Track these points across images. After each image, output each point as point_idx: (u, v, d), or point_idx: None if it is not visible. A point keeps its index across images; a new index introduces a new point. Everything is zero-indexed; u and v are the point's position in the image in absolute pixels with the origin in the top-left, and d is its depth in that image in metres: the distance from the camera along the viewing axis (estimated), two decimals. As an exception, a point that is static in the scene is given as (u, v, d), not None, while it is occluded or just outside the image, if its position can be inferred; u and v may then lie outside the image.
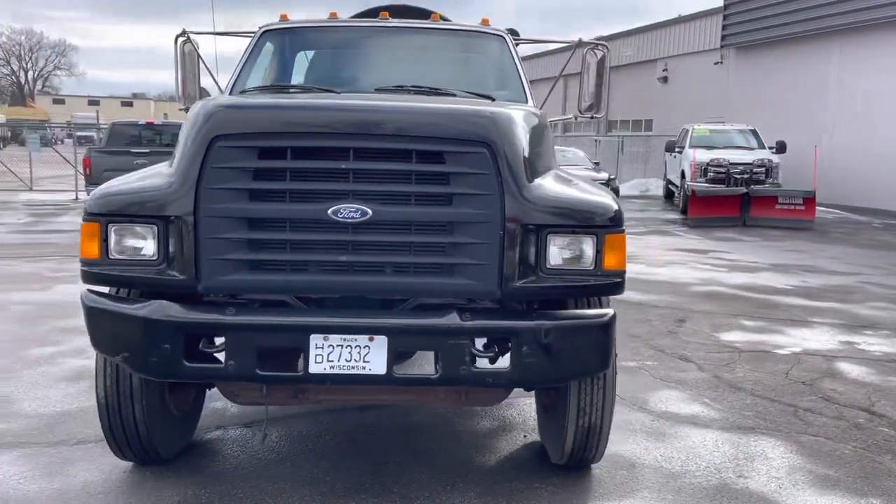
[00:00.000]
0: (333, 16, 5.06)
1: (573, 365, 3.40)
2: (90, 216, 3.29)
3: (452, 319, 3.21)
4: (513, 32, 7.27)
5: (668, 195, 22.35)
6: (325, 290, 3.28)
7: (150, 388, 3.61)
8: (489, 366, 3.40)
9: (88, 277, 3.32)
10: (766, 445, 4.42)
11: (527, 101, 4.67)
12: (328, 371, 3.19)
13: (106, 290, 3.41)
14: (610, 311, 3.50)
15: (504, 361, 3.35)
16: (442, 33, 5.10)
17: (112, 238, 3.26)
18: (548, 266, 3.30)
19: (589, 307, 3.60)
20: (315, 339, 3.18)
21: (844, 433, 4.64)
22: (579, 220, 3.33)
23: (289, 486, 3.76)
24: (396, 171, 3.20)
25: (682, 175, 19.27)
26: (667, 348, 6.49)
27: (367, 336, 3.19)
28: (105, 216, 3.26)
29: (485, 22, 5.13)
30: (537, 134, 3.73)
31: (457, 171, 3.20)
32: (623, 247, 3.45)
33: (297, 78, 4.81)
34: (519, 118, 3.51)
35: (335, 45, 4.98)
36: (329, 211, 3.13)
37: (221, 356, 3.24)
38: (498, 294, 3.24)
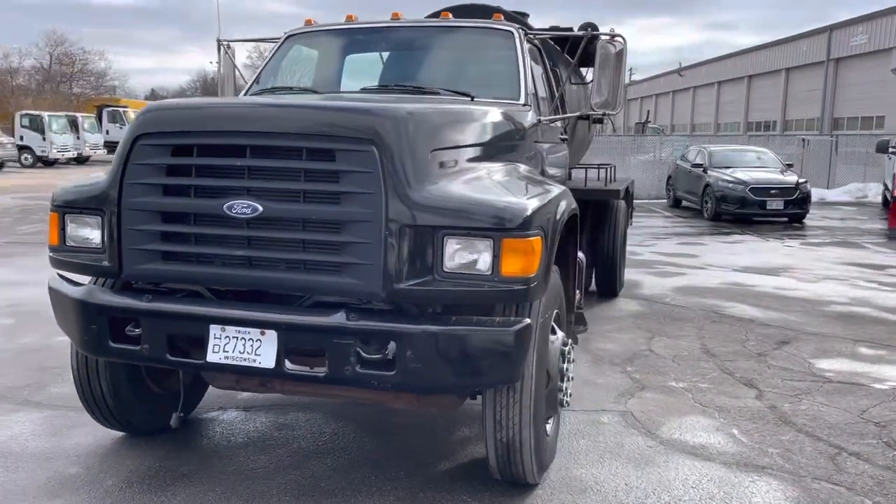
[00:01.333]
0: (350, 18, 5.18)
1: (465, 374, 3.23)
2: (53, 207, 3.70)
3: (338, 319, 3.19)
4: (521, 15, 6.93)
5: (886, 202, 19.72)
6: (227, 283, 3.41)
7: (113, 364, 3.98)
8: (374, 368, 3.31)
9: (52, 262, 3.74)
10: (761, 489, 3.86)
11: (518, 98, 4.47)
12: (223, 361, 3.33)
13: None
14: (523, 322, 3.28)
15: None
16: (447, 31, 5.02)
17: (68, 227, 3.65)
18: (444, 269, 3.17)
19: (516, 314, 3.39)
20: (214, 330, 3.33)
21: (879, 486, 3.91)
22: (474, 222, 3.16)
23: (233, 470, 3.96)
24: (287, 169, 3.25)
25: (894, 179, 16.92)
26: (738, 371, 5.83)
27: (260, 330, 3.28)
28: (62, 207, 3.66)
29: (497, 17, 4.96)
30: (465, 132, 3.58)
31: (346, 169, 3.18)
32: (529, 252, 3.21)
33: (306, 78, 4.99)
34: (425, 116, 3.39)
35: (343, 46, 5.10)
36: (224, 206, 3.26)
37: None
38: (382, 295, 3.17)
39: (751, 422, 4.78)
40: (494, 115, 3.99)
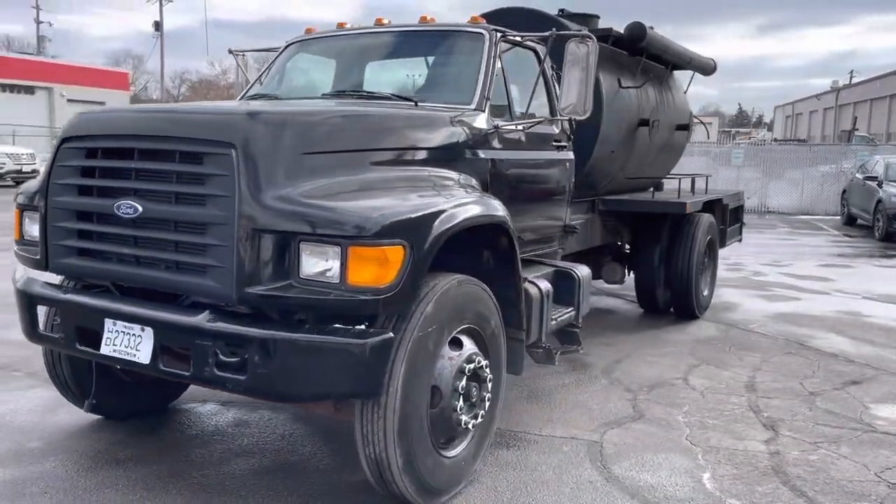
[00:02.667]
0: (340, 26, 5.21)
1: (314, 384, 3.16)
2: (16, 205, 4.10)
3: (198, 319, 3.25)
4: (587, 17, 6.49)
5: None
6: (122, 280, 3.58)
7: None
8: (229, 371, 3.29)
9: (16, 255, 4.14)
10: (680, 542, 3.39)
11: (471, 102, 4.28)
12: (112, 353, 3.50)
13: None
14: (383, 335, 3.16)
15: (253, 368, 3.25)
16: (420, 35, 4.89)
17: (24, 224, 4.03)
18: (301, 276, 3.13)
19: (384, 325, 3.27)
20: (108, 324, 3.52)
21: (832, 558, 3.30)
22: (323, 229, 3.08)
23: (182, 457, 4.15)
24: (164, 171, 3.36)
25: None
26: (769, 410, 5.16)
27: (140, 326, 3.42)
28: (20, 206, 4.04)
29: (474, 20, 4.76)
30: (352, 137, 3.49)
31: (210, 172, 3.23)
32: (382, 262, 3.09)
33: (302, 83, 5.08)
34: (291, 120, 3.34)
35: (330, 53, 5.14)
36: (114, 206, 3.44)
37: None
38: (234, 298, 3.17)
39: (734, 467, 4.21)
40: (404, 120, 3.85)
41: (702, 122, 9.57)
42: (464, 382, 3.60)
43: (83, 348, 3.66)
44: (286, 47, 5.31)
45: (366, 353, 3.13)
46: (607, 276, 8.06)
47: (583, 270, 5.16)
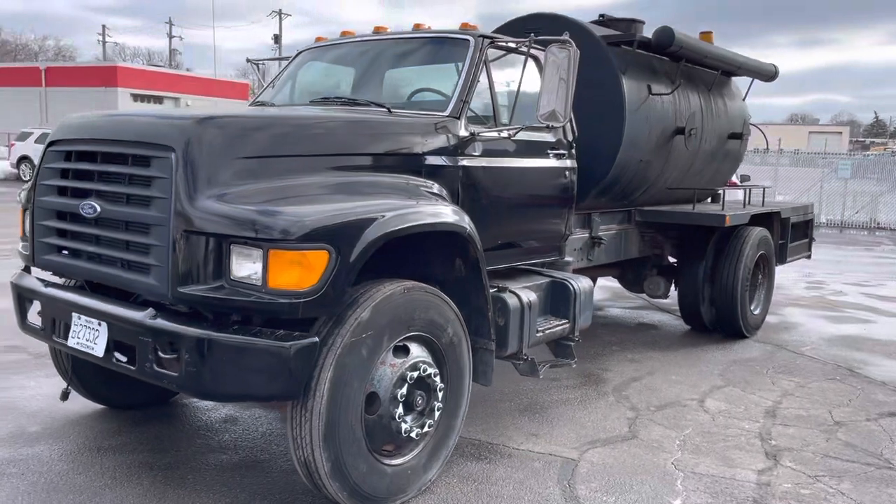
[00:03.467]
0: (345, 34, 5.26)
1: (238, 384, 3.21)
2: (19, 204, 4.40)
3: (140, 316, 3.37)
4: (631, 22, 6.28)
5: None
6: (88, 276, 3.75)
7: None
8: (166, 368, 3.38)
9: (18, 253, 4.44)
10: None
11: (445, 109, 4.23)
12: (76, 346, 3.69)
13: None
14: (308, 339, 3.20)
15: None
16: (410, 43, 4.86)
17: (25, 223, 4.32)
18: (231, 277, 3.21)
19: (321, 329, 3.30)
20: (74, 317, 3.71)
21: None
22: (247, 232, 3.14)
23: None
24: (118, 174, 3.52)
25: None
26: (779, 439, 4.82)
27: (97, 321, 3.59)
28: (22, 205, 4.33)
29: (464, 27, 4.70)
30: (295, 142, 3.53)
31: (154, 174, 3.35)
32: (304, 266, 3.12)
33: (293, 91, 5.17)
34: (226, 126, 3.40)
35: (332, 60, 5.19)
36: (80, 206, 3.64)
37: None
38: (169, 297, 3.28)
39: (710, 496, 3.95)
40: (352, 126, 3.85)
41: (760, 130, 9.04)
42: (404, 390, 3.56)
43: (57, 339, 3.86)
44: (296, 55, 5.43)
45: (289, 356, 3.15)
46: (649, 289, 7.77)
47: (580, 283, 5.00)
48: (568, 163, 5.07)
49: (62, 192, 3.83)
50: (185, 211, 3.21)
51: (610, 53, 6.03)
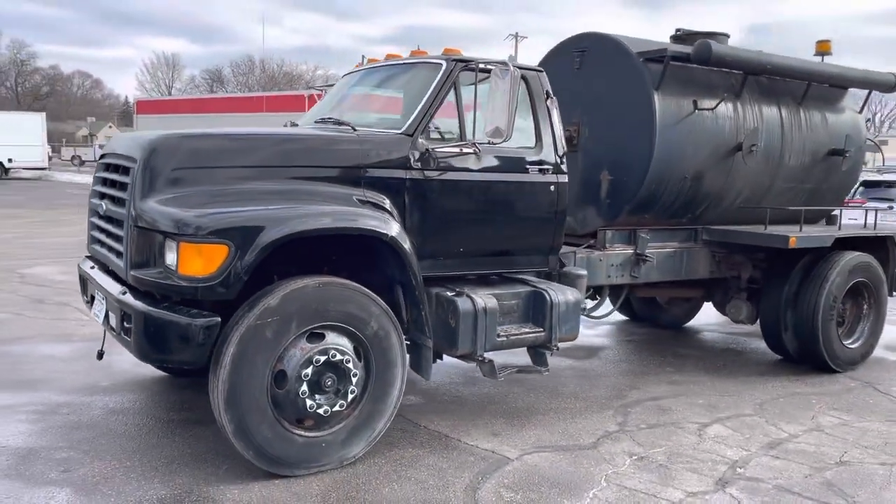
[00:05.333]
0: (372, 61, 5.83)
1: (159, 350, 3.97)
2: None
3: (116, 293, 4.29)
4: (710, 35, 6.20)
5: None
6: (104, 261, 4.74)
7: None
8: (126, 335, 4.20)
9: None
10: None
11: (401, 127, 4.68)
12: (94, 314, 4.72)
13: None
14: (211, 319, 3.90)
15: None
16: (397, 68, 5.33)
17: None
18: (165, 265, 4.01)
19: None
20: (97, 293, 4.74)
21: None
22: (167, 227, 3.92)
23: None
24: (113, 180, 4.49)
25: None
26: (752, 469, 4.60)
27: (102, 295, 4.58)
28: None
29: (446, 52, 5.06)
30: (217, 155, 4.25)
31: (127, 181, 4.27)
32: (207, 257, 3.82)
33: (320, 111, 5.85)
34: (167, 143, 4.20)
35: (349, 86, 5.81)
36: (99, 205, 4.68)
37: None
38: (127, 279, 4.16)
39: (613, 508, 3.99)
40: (290, 141, 4.44)
41: (876, 144, 8.08)
42: (309, 371, 4.09)
43: (92, 311, 4.94)
44: (341, 79, 6.18)
45: (195, 330, 3.86)
46: (731, 313, 7.43)
47: (561, 294, 5.13)
48: (553, 178, 5.23)
49: (96, 194, 4.91)
50: (137, 210, 4.06)
51: (643, 69, 6.03)
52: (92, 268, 4.99)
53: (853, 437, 5.23)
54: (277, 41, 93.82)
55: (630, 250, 6.41)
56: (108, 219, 4.57)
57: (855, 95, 7.78)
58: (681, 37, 7.10)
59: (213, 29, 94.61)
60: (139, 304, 4.02)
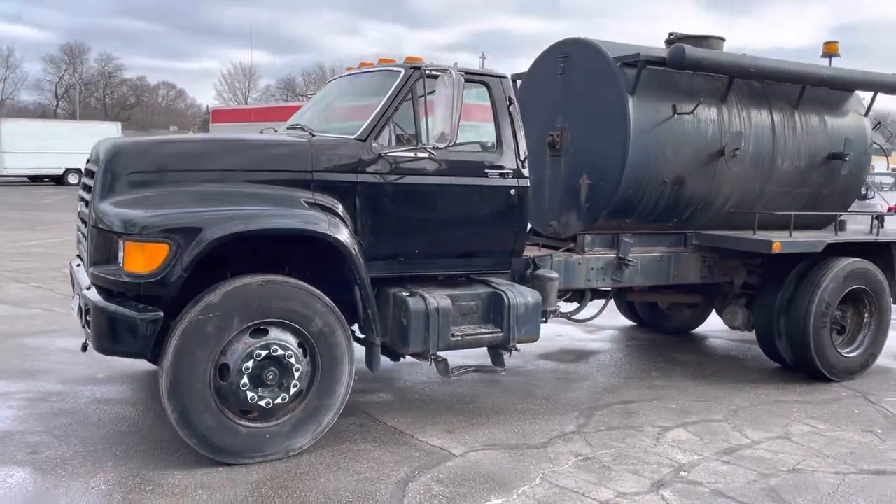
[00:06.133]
0: (354, 67, 5.99)
1: (111, 342, 4.25)
2: None
3: (83, 287, 4.61)
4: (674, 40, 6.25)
5: None
6: (84, 258, 5.08)
7: None
8: (88, 327, 4.50)
9: None
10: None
11: (356, 132, 4.86)
12: (73, 307, 5.06)
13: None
14: (155, 313, 4.17)
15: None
16: (363, 76, 5.51)
17: (92, 219, 5.88)
18: (118, 263, 4.30)
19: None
20: (77, 287, 5.07)
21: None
22: (114, 227, 4.22)
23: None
24: (86, 183, 4.81)
25: None
26: (696, 472, 4.58)
27: (78, 290, 4.91)
28: None
29: (408, 60, 5.20)
30: (172, 159, 4.52)
31: (92, 184, 4.58)
32: (148, 255, 4.09)
33: (301, 117, 6.08)
34: (123, 148, 4.50)
35: (322, 91, 6.02)
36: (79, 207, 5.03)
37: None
38: (88, 275, 4.47)
39: (535, 504, 4.07)
40: (240, 146, 4.68)
41: (881, 147, 7.75)
42: (250, 364, 4.30)
43: (72, 304, 5.29)
44: (326, 85, 6.42)
45: (139, 324, 4.13)
46: (727, 319, 7.35)
47: (519, 297, 5.21)
48: (514, 182, 5.32)
49: (79, 197, 5.26)
50: (95, 210, 4.37)
51: (619, 73, 6.06)
52: (78, 265, 5.35)
53: (819, 445, 5.13)
54: (354, 51, 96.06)
55: (612, 254, 6.42)
56: (82, 220, 4.90)
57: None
58: (673, 40, 7.09)
59: (291, 40, 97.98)
60: (96, 298, 4.31)
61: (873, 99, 7.36)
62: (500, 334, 5.19)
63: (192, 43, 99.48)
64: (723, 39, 7.12)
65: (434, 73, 4.80)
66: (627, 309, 8.85)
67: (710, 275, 7.00)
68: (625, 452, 4.86)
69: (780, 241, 6.31)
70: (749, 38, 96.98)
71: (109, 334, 4.23)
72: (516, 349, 5.29)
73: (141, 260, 4.10)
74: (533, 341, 5.39)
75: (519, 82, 7.21)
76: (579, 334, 8.41)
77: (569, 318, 6.66)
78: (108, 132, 38.24)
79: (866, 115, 7.42)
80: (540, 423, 5.35)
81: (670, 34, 7.17)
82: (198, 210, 4.27)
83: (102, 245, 4.38)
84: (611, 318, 9.03)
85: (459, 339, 5.06)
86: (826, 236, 6.73)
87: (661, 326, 8.64)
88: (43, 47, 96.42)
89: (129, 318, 4.15)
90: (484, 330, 5.18)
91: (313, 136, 4.98)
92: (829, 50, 7.56)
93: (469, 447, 4.84)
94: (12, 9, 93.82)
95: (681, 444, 5.07)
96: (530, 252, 6.21)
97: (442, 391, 6.06)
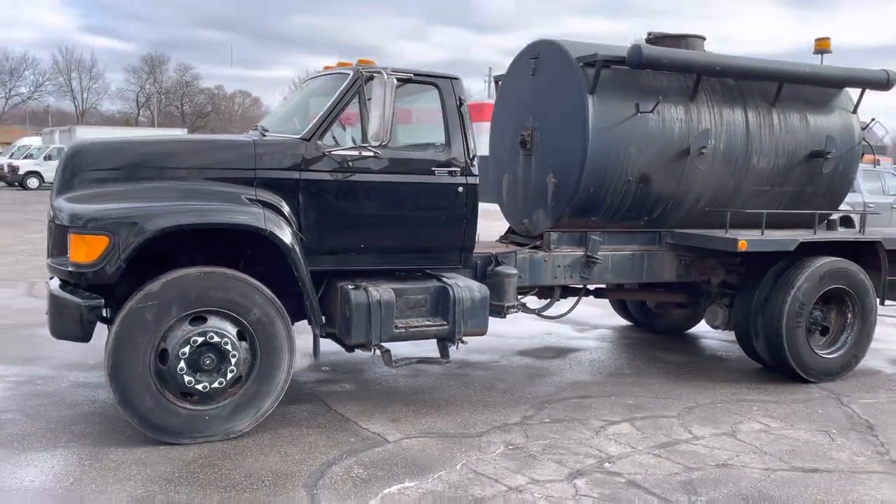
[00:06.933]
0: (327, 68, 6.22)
1: (64, 327, 4.61)
2: None
3: (48, 277, 5.00)
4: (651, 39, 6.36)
5: None
6: None
7: None
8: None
9: None
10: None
11: (300, 132, 5.11)
12: (49, 295, 5.46)
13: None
14: (96, 301, 4.52)
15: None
16: (322, 78, 5.73)
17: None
18: (67, 255, 4.66)
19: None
20: (51, 279, 5.49)
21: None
22: (65, 220, 4.57)
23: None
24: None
25: None
26: (623, 465, 4.65)
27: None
28: None
29: (361, 63, 5.40)
30: (123, 158, 4.85)
31: (56, 182, 4.98)
32: (89, 246, 4.43)
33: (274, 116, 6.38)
34: (83, 148, 4.85)
35: (293, 94, 6.28)
36: (53, 205, 5.43)
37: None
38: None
39: (437, 489, 4.22)
40: (182, 144, 5.01)
41: (868, 144, 7.46)
42: (186, 350, 4.59)
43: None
44: (302, 84, 6.71)
45: (81, 310, 4.47)
46: (708, 318, 7.30)
47: (466, 291, 5.36)
48: (462, 180, 5.48)
49: None
50: (52, 206, 4.74)
51: (579, 73, 6.14)
52: None
53: (761, 443, 5.11)
54: (422, 56, 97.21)
55: (580, 252, 6.50)
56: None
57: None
58: (651, 40, 7.12)
59: (360, 46, 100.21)
60: (51, 286, 4.69)
61: (861, 95, 7.21)
62: (446, 327, 5.36)
63: (267, 51, 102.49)
64: (703, 38, 7.11)
65: (371, 75, 5.01)
66: (622, 308, 8.86)
67: (687, 273, 6.99)
68: (558, 444, 4.96)
69: (746, 239, 6.27)
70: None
71: (58, 319, 4.59)
72: (463, 342, 5.44)
73: (84, 251, 4.43)
74: (481, 335, 5.53)
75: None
76: (570, 333, 8.48)
77: (539, 315, 6.77)
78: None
79: (854, 111, 7.27)
80: (487, 414, 5.49)
81: (649, 33, 7.19)
82: (138, 206, 4.58)
83: (58, 238, 4.75)
84: (607, 318, 9.09)
85: (403, 331, 5.25)
86: (801, 235, 6.65)
87: (653, 326, 8.62)
88: (126, 58, 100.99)
89: (73, 304, 4.50)
90: (429, 322, 5.35)
91: (264, 136, 5.26)
92: (821, 46, 7.46)
93: (405, 434, 5.02)
94: (97, 22, 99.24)
95: (619, 437, 5.13)
96: (495, 249, 6.37)
97: (405, 383, 6.25)
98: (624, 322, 8.96)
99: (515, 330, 8.15)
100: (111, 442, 4.74)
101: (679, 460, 4.75)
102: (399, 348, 6.01)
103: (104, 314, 4.73)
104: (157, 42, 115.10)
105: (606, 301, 8.69)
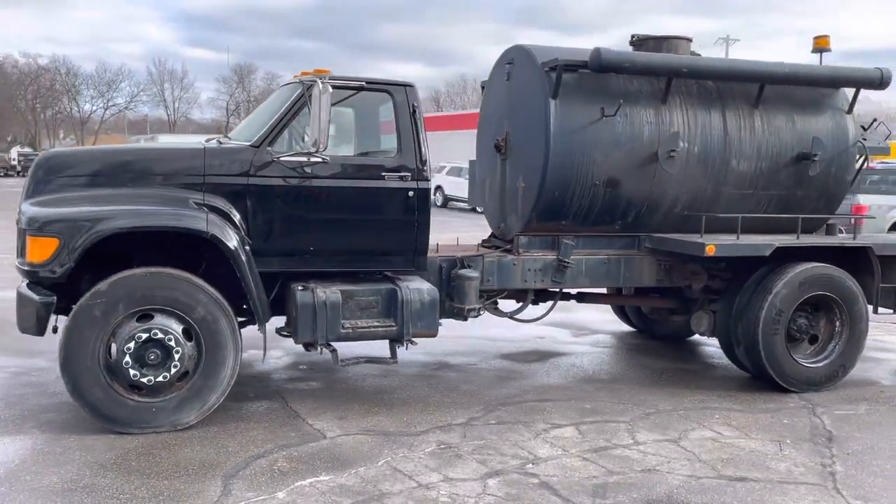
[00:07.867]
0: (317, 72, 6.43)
1: (27, 323, 4.99)
2: None
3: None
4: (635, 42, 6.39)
5: None
6: None
7: None
8: None
9: None
10: None
11: (252, 139, 5.36)
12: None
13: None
14: (49, 298, 4.89)
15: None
16: (283, 89, 5.95)
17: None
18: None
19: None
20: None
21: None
22: (23, 223, 4.96)
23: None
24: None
25: None
26: (548, 468, 4.69)
27: (30, 280, 5.74)
28: None
29: (317, 72, 5.58)
30: (85, 165, 5.20)
31: (30, 189, 5.39)
32: (42, 247, 4.80)
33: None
34: (53, 155, 5.20)
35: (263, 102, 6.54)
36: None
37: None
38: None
39: (325, 481, 4.37)
40: (138, 153, 5.28)
41: (862, 145, 7.08)
42: (131, 345, 4.89)
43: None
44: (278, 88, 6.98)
45: (36, 305, 4.84)
46: (694, 324, 7.17)
47: (415, 293, 5.50)
48: (413, 184, 5.61)
49: None
50: (19, 210, 5.15)
51: (543, 78, 6.17)
52: None
53: (702, 451, 5.03)
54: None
55: (552, 256, 6.52)
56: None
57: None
58: (635, 42, 7.08)
59: (446, 52, 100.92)
60: (20, 285, 5.09)
61: (856, 95, 6.95)
62: (394, 328, 5.50)
63: (356, 59, 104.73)
64: (689, 40, 7.01)
65: (310, 84, 5.21)
66: (623, 314, 8.77)
67: (668, 278, 6.89)
68: (491, 445, 5.03)
69: (715, 244, 6.16)
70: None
71: (20, 315, 4.99)
72: (412, 342, 5.58)
73: (38, 251, 4.81)
74: (431, 336, 5.65)
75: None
76: (565, 337, 8.47)
77: (512, 318, 6.82)
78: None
79: (850, 112, 7.01)
80: (436, 415, 5.60)
81: (633, 35, 7.14)
82: (87, 210, 4.92)
83: (21, 239, 5.14)
84: (609, 324, 9.01)
85: (350, 331, 5.43)
86: (779, 239, 6.46)
87: (653, 332, 8.50)
88: (219, 68, 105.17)
89: (29, 300, 4.88)
90: (377, 323, 5.51)
91: (220, 143, 5.54)
92: (820, 44, 7.25)
93: (344, 431, 5.20)
94: (197, 35, 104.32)
95: (557, 440, 5.14)
96: (464, 252, 6.48)
97: (372, 383, 6.42)
98: (626, 328, 8.86)
99: (509, 334, 8.18)
100: (70, 430, 5.09)
101: (605, 464, 4.74)
102: (355, 348, 6.20)
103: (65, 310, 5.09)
104: (250, 52, 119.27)
105: (610, 307, 8.67)
